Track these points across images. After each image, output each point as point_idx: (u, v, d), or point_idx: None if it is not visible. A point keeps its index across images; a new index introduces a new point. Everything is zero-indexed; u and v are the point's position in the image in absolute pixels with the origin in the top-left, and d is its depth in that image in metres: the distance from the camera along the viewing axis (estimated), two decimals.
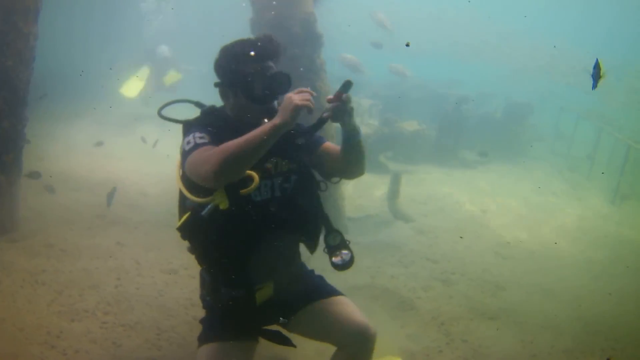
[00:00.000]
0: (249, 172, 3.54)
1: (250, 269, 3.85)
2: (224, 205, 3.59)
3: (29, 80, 8.15)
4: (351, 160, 4.01)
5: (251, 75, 3.70)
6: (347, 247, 4.15)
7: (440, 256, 8.63)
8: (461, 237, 9.65)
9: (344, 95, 3.59)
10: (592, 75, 7.60)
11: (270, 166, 3.83)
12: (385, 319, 6.49)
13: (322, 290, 4.26)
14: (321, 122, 3.74)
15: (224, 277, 3.95)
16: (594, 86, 6.75)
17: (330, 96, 3.64)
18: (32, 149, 8.84)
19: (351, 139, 3.83)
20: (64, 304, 6.23)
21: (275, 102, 3.78)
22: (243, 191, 3.55)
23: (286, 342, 4.07)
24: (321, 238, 4.18)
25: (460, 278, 7.80)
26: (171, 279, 7.12)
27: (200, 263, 4.05)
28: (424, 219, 10.92)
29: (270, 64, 3.79)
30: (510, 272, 8.29)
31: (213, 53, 3.91)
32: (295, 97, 3.40)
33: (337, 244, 4.14)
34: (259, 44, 3.77)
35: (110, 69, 14.55)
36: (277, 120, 3.37)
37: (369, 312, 6.49)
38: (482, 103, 23.61)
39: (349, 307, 4.18)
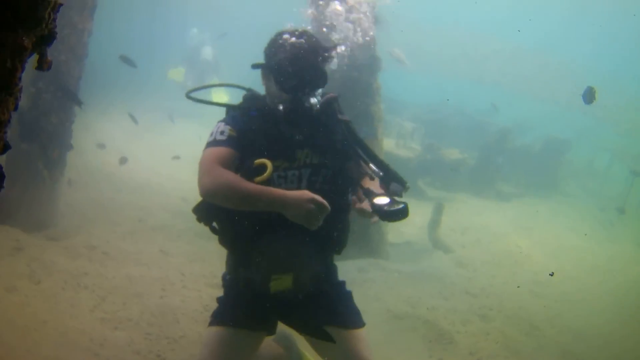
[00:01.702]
0: (263, 160, 3.56)
1: (267, 256, 3.77)
2: None
3: (80, 76, 8.24)
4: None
5: (283, 62, 3.66)
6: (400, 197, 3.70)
7: (479, 290, 8.60)
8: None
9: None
10: (583, 97, 7.72)
11: (300, 156, 3.78)
12: (424, 352, 6.49)
13: (344, 317, 4.05)
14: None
15: (242, 259, 3.91)
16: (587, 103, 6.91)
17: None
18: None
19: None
20: (107, 311, 6.15)
21: (311, 100, 3.71)
22: (257, 179, 3.49)
23: (327, 337, 3.95)
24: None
25: (497, 314, 7.74)
26: (217, 293, 6.95)
27: (221, 244, 3.98)
28: (462, 250, 10.93)
29: (311, 58, 3.69)
30: (543, 312, 8.21)
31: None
32: (311, 207, 3.36)
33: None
34: (304, 39, 3.74)
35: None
36: (282, 201, 3.40)
37: (408, 343, 6.59)
38: (519, 134, 23.52)
39: (361, 345, 3.95)
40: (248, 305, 3.96)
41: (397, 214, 3.48)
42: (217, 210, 3.68)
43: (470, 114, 25.81)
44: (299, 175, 3.77)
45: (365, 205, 3.67)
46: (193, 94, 4.03)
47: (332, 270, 4.22)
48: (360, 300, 7.49)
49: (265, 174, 3.51)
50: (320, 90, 3.82)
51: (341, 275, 4.25)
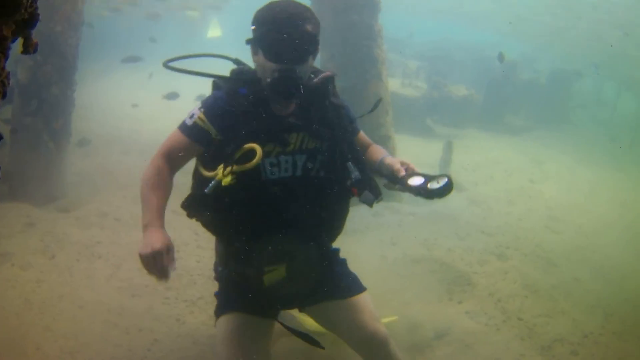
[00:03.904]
0: (252, 145, 3.29)
1: (260, 249, 3.54)
2: (226, 181, 3.28)
3: (77, 44, 8.08)
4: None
5: (267, 29, 3.30)
6: (435, 176, 3.37)
7: (495, 229, 8.47)
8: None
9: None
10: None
11: (294, 140, 3.48)
12: (443, 295, 6.37)
13: (341, 288, 3.83)
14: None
15: (233, 253, 3.65)
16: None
17: (403, 172, 3.36)
18: (75, 109, 8.66)
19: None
20: (123, 279, 6.02)
21: (301, 71, 3.33)
22: (246, 165, 3.25)
23: (316, 343, 3.69)
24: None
25: (514, 253, 7.62)
26: None
27: (209, 230, 3.74)
28: (475, 188, 10.84)
29: (297, 21, 3.30)
30: (560, 248, 8.11)
31: None
32: (154, 256, 3.12)
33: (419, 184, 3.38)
34: (289, 4, 3.37)
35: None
36: (143, 231, 3.25)
37: (427, 287, 6.46)
38: (525, 67, 23.22)
39: (364, 311, 3.77)
40: (249, 295, 3.69)
41: (443, 191, 3.26)
42: (206, 204, 3.48)
43: (476, 49, 25.53)
44: (293, 162, 3.48)
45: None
46: (174, 64, 3.63)
47: (326, 250, 3.86)
48: (377, 245, 7.48)
49: (254, 160, 3.26)
50: (311, 61, 3.47)
51: (356, 221, 3.97)
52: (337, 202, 3.63)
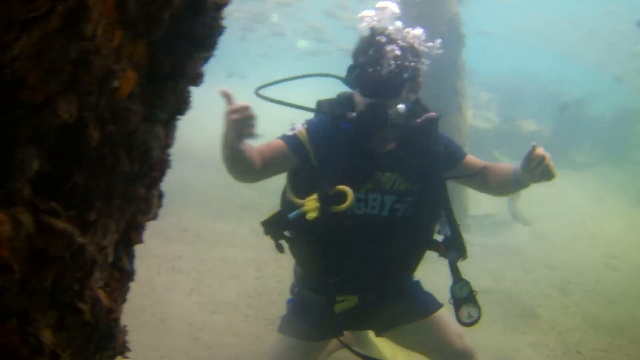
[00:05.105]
0: (343, 187, 3.13)
1: (334, 279, 3.46)
2: (311, 216, 3.13)
3: None
4: (508, 192, 3.80)
5: (362, 66, 3.17)
6: (474, 302, 3.51)
7: (558, 264, 8.64)
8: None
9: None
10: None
11: (386, 180, 3.32)
12: (508, 326, 6.58)
13: (418, 310, 3.68)
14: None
15: (308, 278, 3.63)
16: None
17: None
18: None
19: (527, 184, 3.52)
20: (205, 294, 6.02)
21: (398, 108, 3.20)
22: (336, 208, 3.12)
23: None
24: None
25: (575, 288, 7.82)
26: None
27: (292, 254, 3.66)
28: (540, 223, 10.94)
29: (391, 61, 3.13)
30: (619, 285, 8.22)
31: None
32: (231, 118, 2.89)
33: (463, 296, 3.50)
34: (386, 37, 3.23)
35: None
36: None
37: (493, 317, 6.58)
38: (590, 103, 23.01)
39: (447, 327, 3.63)
40: (316, 321, 3.62)
41: (475, 322, 3.55)
42: (286, 228, 3.43)
43: (543, 84, 25.36)
44: (381, 201, 3.32)
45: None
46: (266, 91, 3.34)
47: (401, 279, 3.78)
48: (448, 274, 7.68)
49: (344, 205, 3.13)
50: (409, 95, 3.33)
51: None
52: (417, 245, 3.55)
